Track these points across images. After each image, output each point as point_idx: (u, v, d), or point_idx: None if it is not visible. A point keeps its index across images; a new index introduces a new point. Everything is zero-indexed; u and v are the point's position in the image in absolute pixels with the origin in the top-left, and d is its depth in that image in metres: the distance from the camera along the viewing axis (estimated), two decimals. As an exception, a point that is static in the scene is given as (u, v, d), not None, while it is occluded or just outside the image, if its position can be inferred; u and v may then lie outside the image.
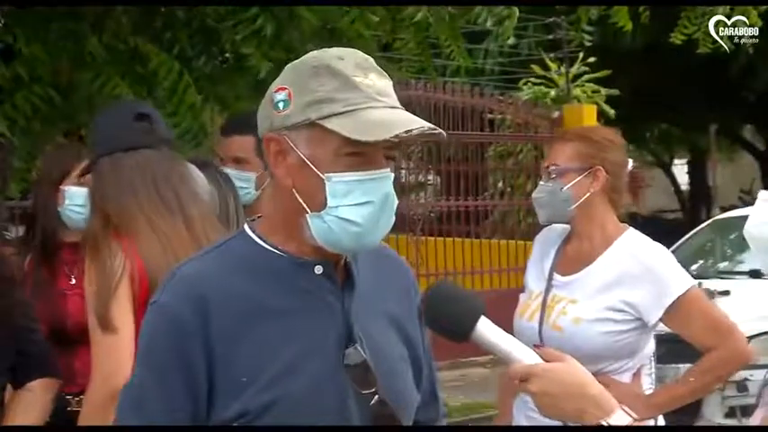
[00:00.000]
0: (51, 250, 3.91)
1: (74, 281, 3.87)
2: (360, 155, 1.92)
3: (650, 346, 3.44)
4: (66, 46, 5.04)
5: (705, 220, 12.57)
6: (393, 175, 1.98)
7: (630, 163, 3.53)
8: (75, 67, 5.04)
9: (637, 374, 3.37)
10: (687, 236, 10.33)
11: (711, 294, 8.33)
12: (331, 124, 1.91)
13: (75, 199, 3.83)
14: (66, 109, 5.27)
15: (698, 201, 27.22)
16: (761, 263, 2.23)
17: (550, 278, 3.46)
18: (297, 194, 1.95)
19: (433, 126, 1.94)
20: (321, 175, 1.93)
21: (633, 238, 3.42)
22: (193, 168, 3.35)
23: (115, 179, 3.15)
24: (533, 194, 3.55)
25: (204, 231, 3.12)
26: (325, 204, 1.93)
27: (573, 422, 1.90)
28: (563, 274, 3.45)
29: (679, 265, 3.42)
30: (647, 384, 3.45)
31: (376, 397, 1.98)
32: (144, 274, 3.04)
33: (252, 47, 5.11)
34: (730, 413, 7.67)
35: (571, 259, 3.46)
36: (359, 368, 1.97)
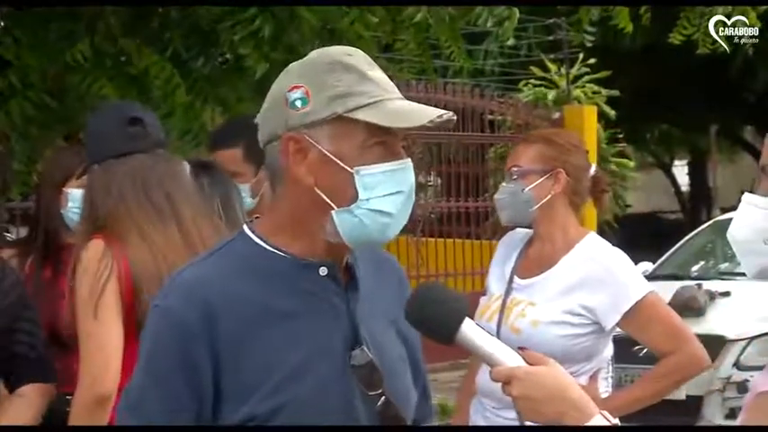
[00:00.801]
0: (53, 252, 3.90)
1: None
2: (384, 145, 1.94)
3: (608, 349, 3.46)
4: (62, 48, 5.05)
5: (705, 221, 12.57)
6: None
7: (593, 168, 3.54)
8: (65, 71, 5.05)
9: (593, 377, 3.39)
10: (688, 237, 10.33)
11: (712, 296, 8.34)
12: (360, 115, 1.91)
13: (77, 201, 3.83)
14: (62, 112, 5.28)
15: (698, 202, 27.25)
16: (744, 266, 2.23)
17: (510, 281, 3.48)
18: (320, 192, 1.94)
19: (452, 113, 1.95)
20: (349, 169, 1.92)
21: (593, 243, 3.45)
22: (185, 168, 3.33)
23: (106, 187, 3.14)
24: (495, 196, 3.57)
25: (199, 234, 3.10)
26: (356, 198, 1.93)
27: (553, 424, 1.90)
28: (523, 278, 3.47)
29: (637, 270, 3.45)
30: (604, 388, 3.48)
31: (383, 398, 1.98)
32: (129, 278, 3.04)
33: (249, 47, 5.10)
34: (731, 414, 7.67)
35: (532, 262, 3.48)
36: (365, 369, 1.97)
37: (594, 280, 3.34)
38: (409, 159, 1.97)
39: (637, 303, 3.32)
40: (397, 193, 1.94)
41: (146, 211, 3.10)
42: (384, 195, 1.93)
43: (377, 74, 1.97)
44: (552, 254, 3.43)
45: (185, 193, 3.19)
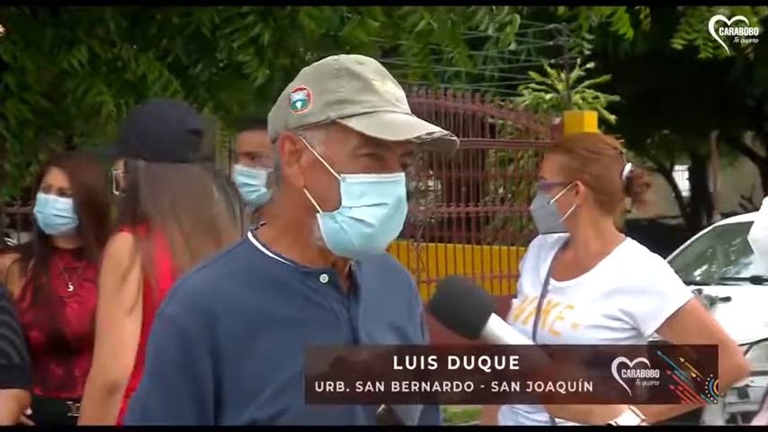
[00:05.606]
0: (45, 257, 3.90)
1: (71, 288, 3.87)
2: (376, 157, 1.95)
3: None
4: (59, 53, 5.06)
5: (706, 227, 12.57)
6: (405, 179, 1.99)
7: (627, 167, 3.50)
8: (62, 75, 5.05)
9: None
10: (688, 242, 10.32)
11: (713, 301, 8.34)
12: (352, 123, 1.93)
13: (41, 206, 3.84)
14: (59, 116, 5.28)
15: (698, 207, 27.20)
16: (764, 267, 2.23)
17: (546, 283, 3.46)
18: (308, 194, 1.97)
19: (450, 133, 1.96)
20: (336, 175, 1.94)
21: (632, 249, 3.43)
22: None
23: (156, 191, 3.15)
24: (531, 207, 3.59)
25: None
26: (339, 205, 1.95)
27: (581, 423, 1.90)
28: (559, 280, 3.45)
29: (677, 276, 3.43)
30: None
31: (383, 405, 1.98)
32: (167, 277, 3.04)
33: (249, 54, 5.10)
34: (731, 420, 7.67)
35: (568, 265, 3.46)
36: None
37: (635, 287, 3.32)
38: (402, 174, 1.98)
39: (678, 310, 3.30)
40: (380, 204, 1.96)
41: (192, 222, 3.13)
42: (366, 206, 1.95)
43: (385, 85, 1.99)
44: (589, 258, 3.42)
45: (223, 206, 3.23)
